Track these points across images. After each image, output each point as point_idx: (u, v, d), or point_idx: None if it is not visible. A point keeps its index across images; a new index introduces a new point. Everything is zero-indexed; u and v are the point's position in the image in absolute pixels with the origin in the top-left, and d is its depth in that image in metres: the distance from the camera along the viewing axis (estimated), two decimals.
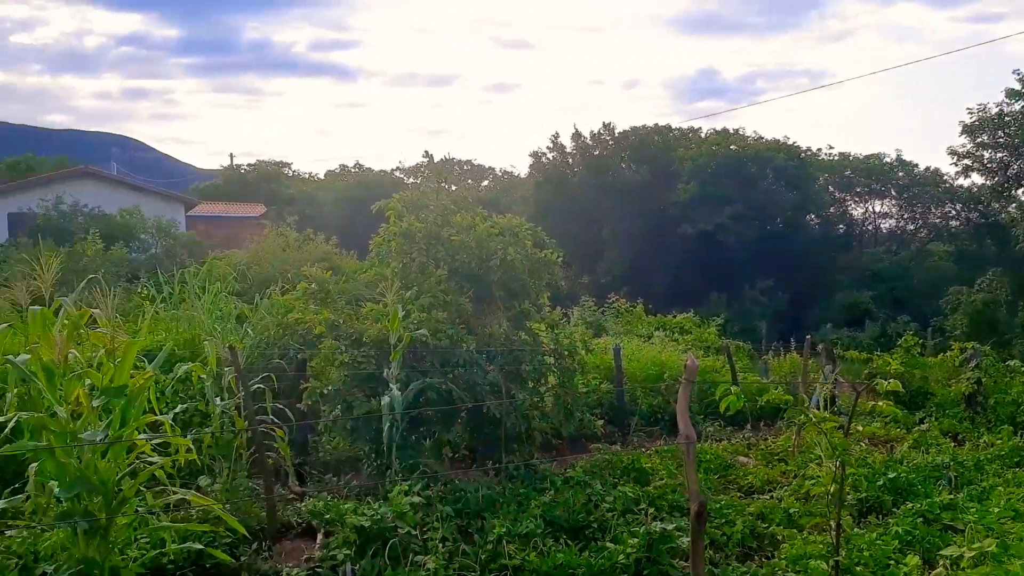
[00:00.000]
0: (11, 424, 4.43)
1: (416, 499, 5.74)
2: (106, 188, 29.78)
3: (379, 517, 5.41)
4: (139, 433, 4.79)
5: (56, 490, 4.36)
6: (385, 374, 6.96)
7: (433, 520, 5.70)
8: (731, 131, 44.91)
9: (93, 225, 21.57)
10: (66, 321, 4.64)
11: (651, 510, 6.17)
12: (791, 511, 6.36)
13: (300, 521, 6.11)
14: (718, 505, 6.32)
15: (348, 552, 5.25)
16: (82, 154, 57.69)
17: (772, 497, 7.03)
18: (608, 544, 5.56)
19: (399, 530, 5.41)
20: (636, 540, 5.49)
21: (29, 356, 4.51)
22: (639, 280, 33.97)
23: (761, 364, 14.90)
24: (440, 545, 5.41)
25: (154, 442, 4.91)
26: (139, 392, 4.72)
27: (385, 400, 6.63)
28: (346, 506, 5.76)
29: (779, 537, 5.96)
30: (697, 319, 17.59)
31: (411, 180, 48.10)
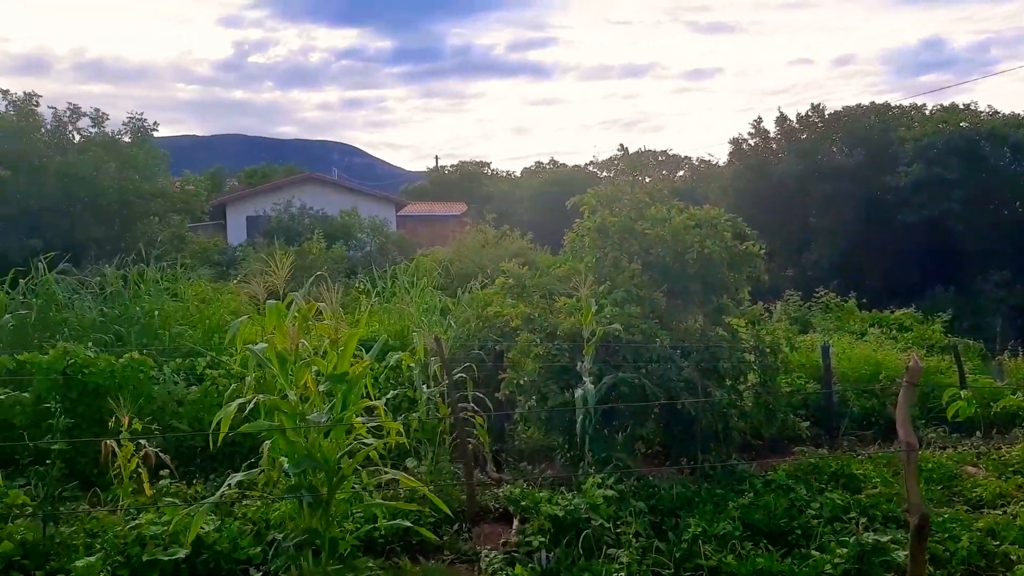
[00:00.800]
0: (252, 405, 5.00)
1: (609, 492, 5.78)
2: (328, 192, 32.62)
3: (573, 508, 5.52)
4: (357, 416, 5.21)
5: (286, 465, 4.86)
6: (578, 367, 7.06)
7: (626, 515, 5.71)
8: (960, 107, 40.42)
9: (317, 226, 23.70)
10: (296, 314, 5.14)
11: (862, 520, 5.76)
12: None
13: (497, 506, 6.37)
14: (941, 518, 5.77)
15: (543, 540, 5.39)
16: (307, 161, 63.45)
17: (1005, 512, 6.29)
18: (813, 552, 5.28)
19: (592, 522, 5.48)
20: (845, 550, 5.16)
21: (266, 345, 5.05)
22: (851, 272, 31.58)
23: (995, 365, 13.33)
24: (633, 540, 5.42)
25: (369, 425, 5.34)
26: (358, 378, 5.12)
27: (578, 393, 6.72)
28: (541, 494, 5.92)
29: (1013, 557, 5.33)
30: (919, 315, 16.08)
31: (604, 174, 48.06)
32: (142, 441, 6.13)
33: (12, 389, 7.01)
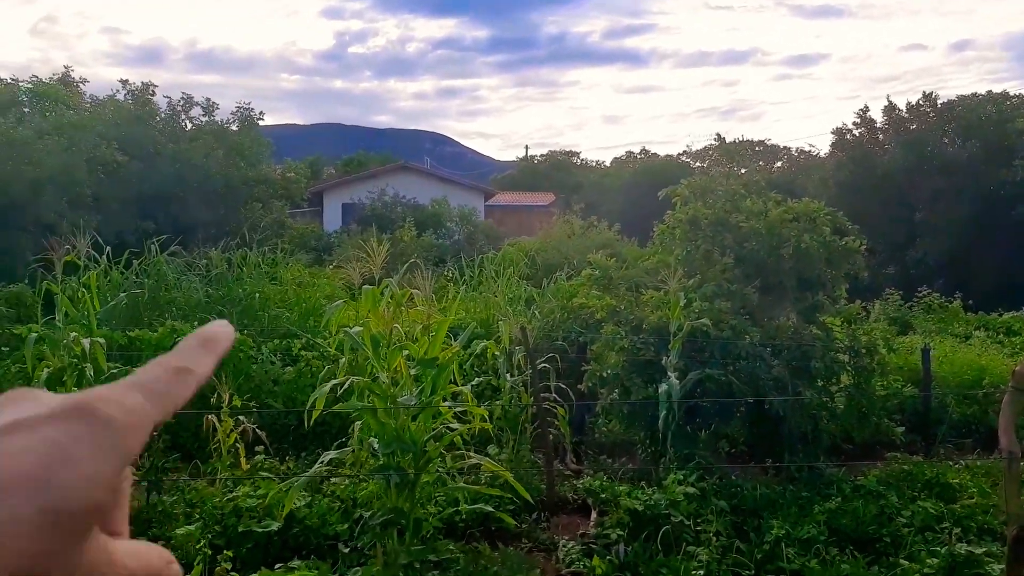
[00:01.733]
0: (345, 387, 5.21)
1: (690, 489, 5.74)
2: (420, 180, 33.19)
3: (652, 503, 5.51)
4: (444, 401, 5.36)
5: (375, 446, 5.05)
6: (663, 362, 7.01)
7: (707, 513, 5.66)
8: None
9: (409, 214, 24.22)
10: (390, 299, 5.32)
11: (956, 530, 5.53)
12: None
13: (576, 497, 6.41)
14: None
15: (621, 533, 5.41)
16: (401, 150, 64.71)
17: None
18: (902, 561, 5.11)
19: (672, 518, 5.45)
20: (936, 560, 4.98)
21: (361, 328, 5.24)
22: (958, 272, 29.91)
23: None
24: (713, 538, 5.37)
25: (456, 410, 5.47)
26: (447, 364, 5.25)
27: (663, 388, 6.68)
28: (620, 488, 5.93)
29: None
30: None
31: (698, 164, 47.01)
32: (240, 417, 6.48)
33: (123, 364, 7.50)
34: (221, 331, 0.48)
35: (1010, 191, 34.02)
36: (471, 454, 5.59)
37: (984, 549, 5.09)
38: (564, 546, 5.46)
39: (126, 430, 0.41)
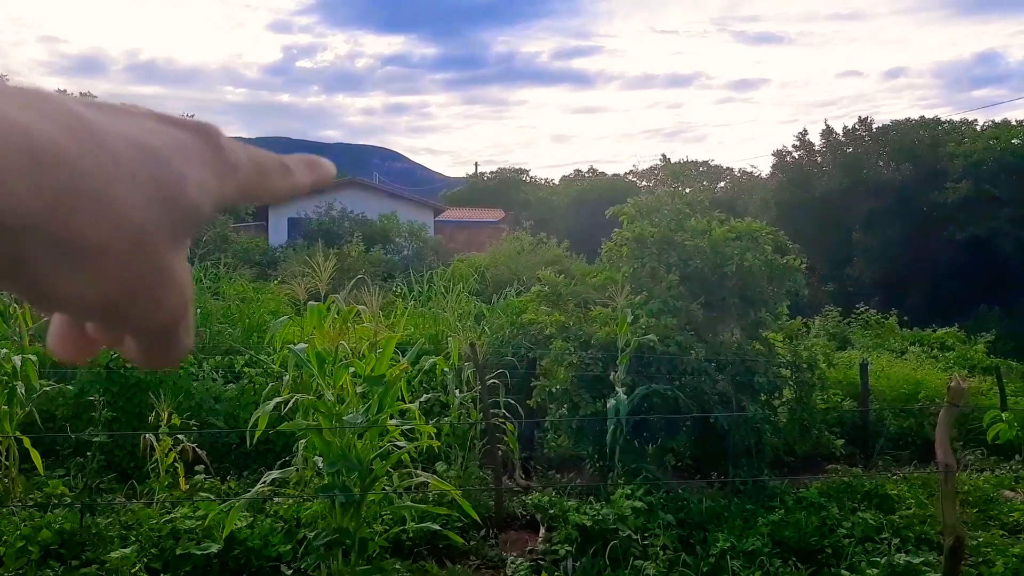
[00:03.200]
0: (290, 404, 5.10)
1: (638, 504, 5.77)
2: (368, 196, 32.93)
3: (600, 518, 5.52)
4: (391, 419, 5.28)
5: (320, 464, 4.95)
6: (611, 377, 7.06)
7: (654, 527, 5.69)
8: (1014, 123, 39.45)
9: (357, 229, 23.99)
10: (336, 315, 5.23)
11: (895, 540, 5.68)
12: None
13: (524, 513, 6.39)
14: (976, 542, 5.65)
15: (570, 549, 5.41)
16: (349, 165, 64.24)
17: None
18: (843, 572, 5.22)
19: (620, 532, 5.47)
20: (876, 571, 5.10)
21: (307, 345, 5.14)
22: (894, 289, 30.97)
23: None
24: (660, 552, 5.40)
25: (403, 427, 5.40)
26: (395, 381, 5.18)
27: (610, 403, 6.72)
28: (569, 503, 5.93)
29: None
30: (962, 334, 15.76)
31: (644, 183, 47.73)
32: (179, 436, 6.29)
33: (56, 381, 7.22)
34: (326, 162, 0.48)
35: (941, 212, 35.44)
36: (419, 472, 5.52)
37: (922, 559, 5.23)
38: (512, 563, 5.42)
39: (234, 169, 0.40)
